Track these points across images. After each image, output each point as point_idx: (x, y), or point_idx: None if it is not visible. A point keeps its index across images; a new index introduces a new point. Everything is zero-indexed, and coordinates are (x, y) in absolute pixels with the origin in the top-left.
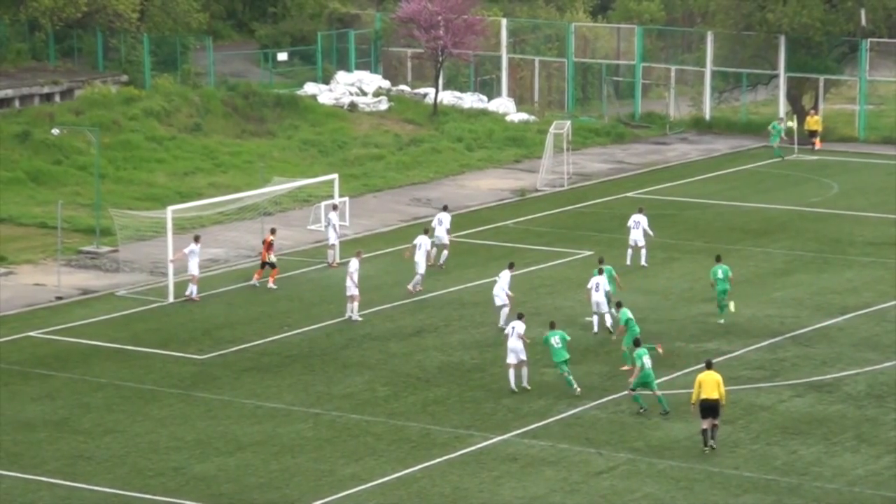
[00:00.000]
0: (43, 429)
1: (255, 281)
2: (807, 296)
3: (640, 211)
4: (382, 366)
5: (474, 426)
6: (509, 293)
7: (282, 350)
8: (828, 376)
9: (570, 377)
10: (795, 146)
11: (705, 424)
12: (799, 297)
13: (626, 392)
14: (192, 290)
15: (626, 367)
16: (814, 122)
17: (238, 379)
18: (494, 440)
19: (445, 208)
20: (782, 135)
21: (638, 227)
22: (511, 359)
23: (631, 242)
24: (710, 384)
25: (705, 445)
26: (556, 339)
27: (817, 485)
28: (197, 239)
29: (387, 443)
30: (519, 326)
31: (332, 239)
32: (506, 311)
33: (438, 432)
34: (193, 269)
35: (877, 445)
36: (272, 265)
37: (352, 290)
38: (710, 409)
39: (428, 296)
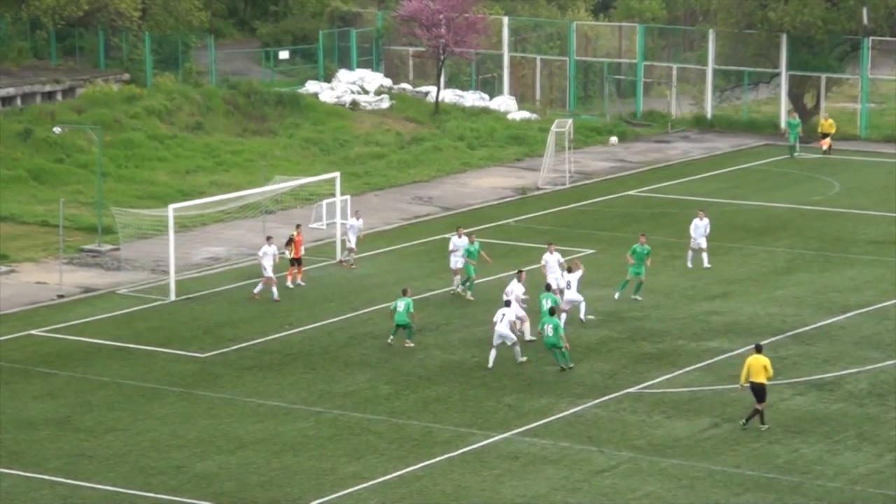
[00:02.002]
0: (44, 427)
1: (289, 283)
2: (808, 294)
3: (702, 214)
4: (384, 364)
5: (476, 424)
6: (523, 300)
7: (283, 348)
8: (829, 375)
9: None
10: (797, 144)
11: (759, 406)
12: (800, 295)
13: (628, 390)
14: (273, 290)
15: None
16: (828, 125)
17: (239, 377)
18: (496, 438)
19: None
20: (799, 130)
21: (699, 230)
22: (496, 340)
23: (694, 245)
24: (757, 368)
25: (746, 421)
26: (549, 327)
27: (819, 483)
28: (269, 239)
29: (388, 441)
30: (510, 313)
31: (351, 242)
32: (527, 325)
33: (440, 430)
34: (269, 271)
35: (878, 444)
36: (298, 262)
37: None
38: (755, 392)
39: (429, 294)
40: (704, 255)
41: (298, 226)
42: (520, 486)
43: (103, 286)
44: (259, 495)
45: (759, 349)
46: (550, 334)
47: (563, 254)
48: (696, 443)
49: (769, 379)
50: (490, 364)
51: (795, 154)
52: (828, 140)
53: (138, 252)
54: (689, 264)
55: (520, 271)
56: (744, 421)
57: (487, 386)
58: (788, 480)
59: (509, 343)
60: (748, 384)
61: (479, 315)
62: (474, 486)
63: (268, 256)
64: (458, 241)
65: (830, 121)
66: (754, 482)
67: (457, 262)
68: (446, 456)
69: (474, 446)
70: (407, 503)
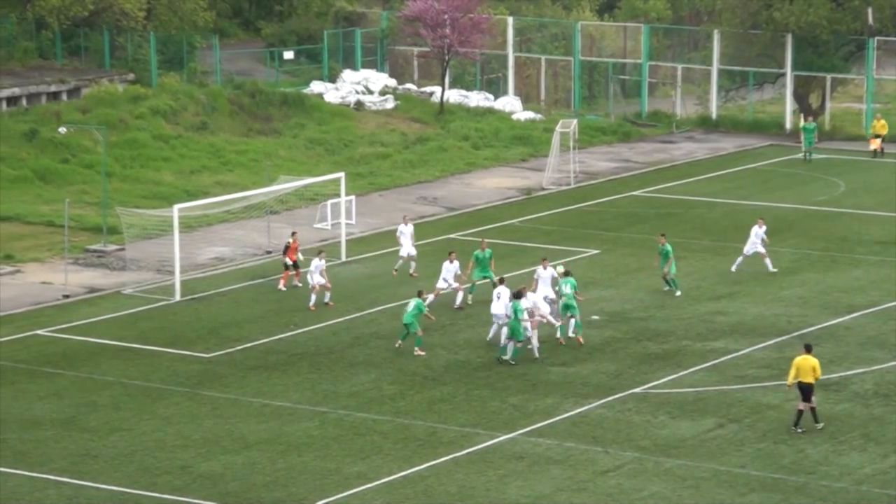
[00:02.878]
0: (50, 427)
1: (282, 286)
2: (814, 294)
3: (763, 223)
4: (389, 364)
5: (480, 424)
6: (544, 309)
7: (288, 349)
8: (835, 375)
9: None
10: (803, 145)
11: (801, 406)
12: (806, 295)
13: (633, 390)
14: (312, 298)
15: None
16: (881, 125)
17: (244, 377)
18: (501, 439)
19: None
20: (815, 136)
21: (757, 238)
22: (496, 320)
23: (747, 251)
24: (806, 369)
25: (795, 426)
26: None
27: (824, 483)
28: (320, 254)
29: (393, 441)
30: (504, 293)
31: (407, 250)
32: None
33: (445, 431)
34: (317, 279)
35: (884, 444)
36: (295, 266)
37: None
38: (804, 392)
39: (432, 295)
40: (767, 261)
41: (294, 232)
42: (525, 486)
43: (108, 286)
44: (264, 495)
45: (808, 349)
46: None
47: (567, 254)
48: (701, 443)
49: (817, 380)
50: (490, 336)
51: (810, 159)
52: (878, 141)
53: (143, 252)
54: (734, 268)
55: (543, 258)
56: (795, 427)
57: (492, 386)
58: (794, 481)
59: (500, 322)
60: (795, 383)
61: (483, 315)
62: (479, 487)
63: (316, 273)
64: (449, 266)
65: (883, 121)
66: (759, 482)
67: (442, 283)
68: (451, 456)
69: (479, 446)
70: (412, 503)
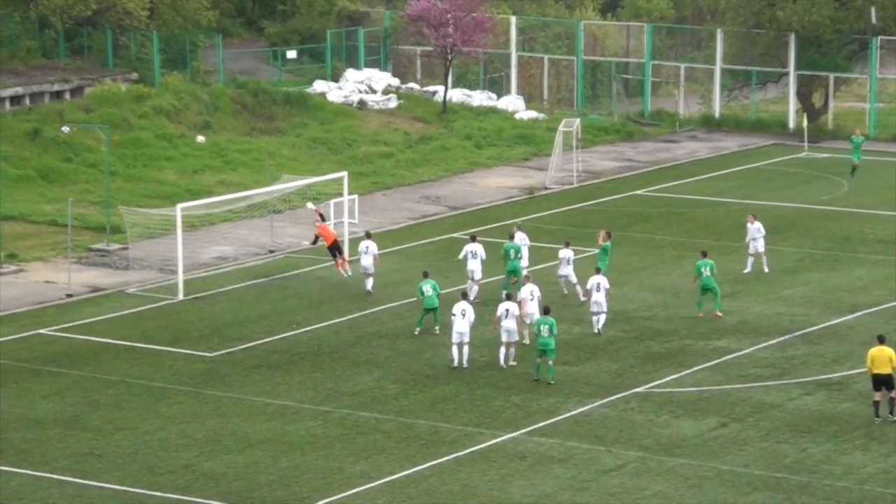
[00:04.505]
0: (53, 426)
1: (343, 270)
2: (817, 294)
3: (754, 218)
4: (391, 363)
5: (483, 424)
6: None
7: (291, 348)
8: (837, 374)
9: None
10: (806, 144)
11: (877, 397)
12: (809, 294)
13: (635, 390)
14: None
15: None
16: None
17: (247, 376)
18: (503, 438)
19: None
20: (862, 148)
21: (759, 233)
22: (504, 337)
23: (751, 250)
24: (882, 359)
25: (877, 416)
26: (545, 327)
27: (827, 483)
28: (369, 235)
29: (396, 440)
30: (513, 308)
31: (477, 274)
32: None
33: (447, 430)
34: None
35: (887, 443)
36: (339, 250)
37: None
38: (881, 382)
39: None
40: (763, 259)
41: (319, 214)
42: (527, 485)
43: (111, 285)
44: (267, 494)
45: (881, 340)
46: (546, 335)
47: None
48: (703, 442)
49: (895, 370)
50: (502, 362)
51: (855, 173)
52: None
53: (146, 251)
54: (748, 269)
55: (567, 242)
56: (877, 417)
57: (495, 385)
58: (797, 480)
59: (515, 338)
60: (872, 376)
61: (486, 315)
62: (482, 486)
63: (367, 256)
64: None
65: None
66: (762, 482)
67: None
68: (454, 455)
69: (482, 446)
70: (415, 502)
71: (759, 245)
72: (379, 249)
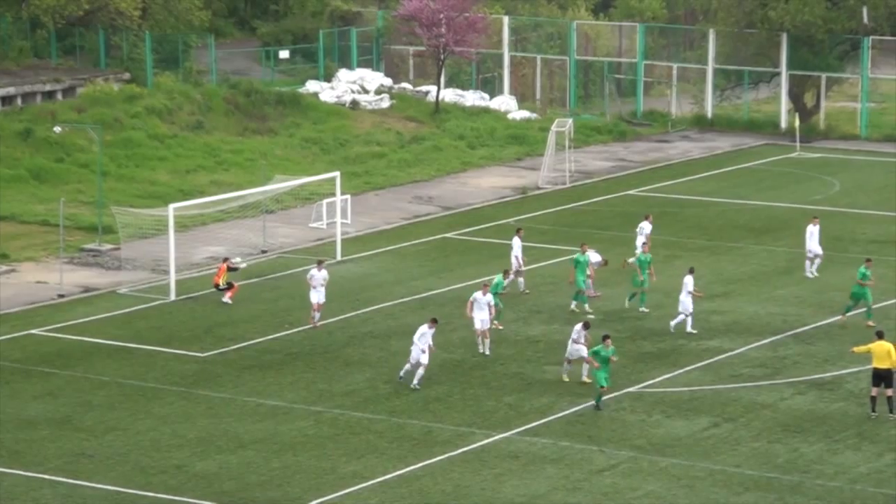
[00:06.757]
0: (45, 427)
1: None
2: (809, 293)
3: (815, 220)
4: (384, 363)
5: (476, 424)
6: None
7: (283, 348)
8: (830, 374)
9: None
10: (798, 143)
11: (874, 392)
12: (801, 294)
13: (628, 389)
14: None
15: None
16: None
17: (239, 377)
18: (496, 438)
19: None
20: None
21: (813, 237)
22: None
23: (809, 253)
24: (881, 354)
25: (872, 411)
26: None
27: (819, 482)
28: (319, 263)
29: (388, 440)
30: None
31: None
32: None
33: (440, 430)
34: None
35: (878, 443)
36: (229, 286)
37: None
38: (881, 377)
39: (429, 294)
40: (816, 262)
41: (225, 259)
42: (520, 485)
43: (103, 286)
44: (259, 495)
45: (880, 335)
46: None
47: (563, 253)
48: (696, 442)
49: (893, 366)
50: (565, 377)
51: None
52: None
53: (138, 251)
54: (808, 273)
55: (582, 244)
56: (872, 412)
57: (488, 385)
58: (788, 480)
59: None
60: (873, 368)
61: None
62: (474, 486)
63: (318, 289)
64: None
65: None
66: (754, 481)
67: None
68: (446, 455)
69: (474, 446)
70: (407, 502)
71: (818, 247)
72: (372, 250)
